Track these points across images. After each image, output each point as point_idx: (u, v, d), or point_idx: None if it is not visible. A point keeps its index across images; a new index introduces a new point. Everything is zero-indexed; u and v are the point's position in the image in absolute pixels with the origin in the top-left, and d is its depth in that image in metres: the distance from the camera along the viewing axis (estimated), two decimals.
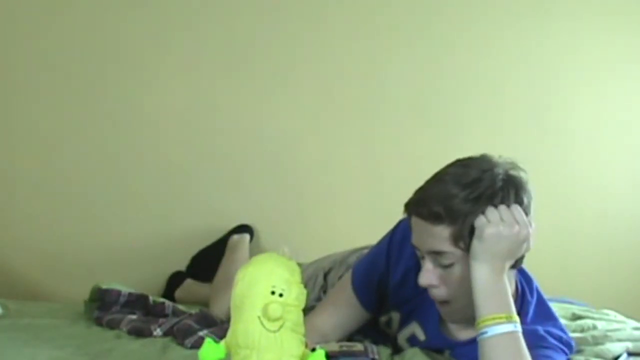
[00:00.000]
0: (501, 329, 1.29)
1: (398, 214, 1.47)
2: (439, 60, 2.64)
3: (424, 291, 1.46)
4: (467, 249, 1.34)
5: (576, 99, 2.71)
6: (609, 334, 1.77)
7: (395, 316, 1.58)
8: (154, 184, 2.52)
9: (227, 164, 2.55)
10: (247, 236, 2.50)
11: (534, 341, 1.37)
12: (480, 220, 1.32)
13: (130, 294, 2.01)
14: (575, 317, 2.02)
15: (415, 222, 1.38)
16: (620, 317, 2.01)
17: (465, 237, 1.34)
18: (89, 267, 2.44)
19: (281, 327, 1.12)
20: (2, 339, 1.65)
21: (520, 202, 1.36)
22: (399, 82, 2.62)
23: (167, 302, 2.01)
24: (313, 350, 1.16)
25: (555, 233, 2.61)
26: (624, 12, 2.70)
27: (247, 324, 1.12)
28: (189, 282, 2.45)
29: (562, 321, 1.92)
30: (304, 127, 2.58)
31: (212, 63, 2.54)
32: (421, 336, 1.55)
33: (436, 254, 1.36)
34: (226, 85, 2.54)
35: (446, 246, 1.35)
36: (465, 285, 1.35)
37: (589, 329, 1.86)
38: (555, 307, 1.97)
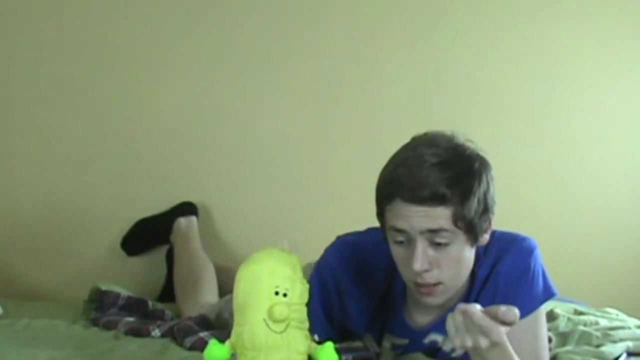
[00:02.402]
0: None
1: None
2: (439, 61, 2.63)
3: (385, 300, 1.48)
4: (465, 230, 1.32)
5: (577, 100, 2.70)
6: (611, 332, 1.77)
7: (369, 336, 1.56)
8: (153, 184, 2.51)
9: (226, 163, 2.55)
10: (194, 219, 2.43)
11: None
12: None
13: (129, 297, 2.01)
14: (578, 313, 2.01)
15: (406, 207, 1.31)
16: (622, 316, 2.00)
17: (464, 217, 1.31)
18: (88, 268, 2.44)
19: (287, 326, 1.12)
20: (1, 339, 1.65)
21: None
22: (398, 83, 2.61)
23: (167, 310, 2.02)
24: (319, 343, 1.15)
25: (555, 233, 2.60)
26: (624, 14, 2.69)
27: (252, 326, 1.11)
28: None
29: (564, 317, 1.92)
30: (303, 127, 2.57)
31: (209, 63, 2.53)
32: (400, 341, 1.53)
33: (432, 233, 1.31)
34: (224, 85, 2.53)
35: (446, 224, 1.31)
36: (460, 266, 1.36)
37: (591, 324, 1.86)
38: (556, 306, 1.98)
